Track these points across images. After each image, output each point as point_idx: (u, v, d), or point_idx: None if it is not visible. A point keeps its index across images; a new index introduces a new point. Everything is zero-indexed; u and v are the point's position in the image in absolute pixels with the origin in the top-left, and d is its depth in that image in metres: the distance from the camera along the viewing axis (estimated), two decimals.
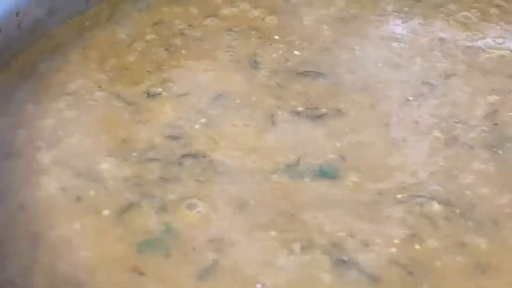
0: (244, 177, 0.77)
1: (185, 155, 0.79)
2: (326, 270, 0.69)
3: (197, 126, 0.82)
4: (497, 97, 0.87)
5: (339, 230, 0.72)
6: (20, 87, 0.85)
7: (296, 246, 0.71)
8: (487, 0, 1.01)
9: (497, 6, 1.00)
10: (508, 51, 0.94)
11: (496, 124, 0.84)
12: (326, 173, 0.78)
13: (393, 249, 0.71)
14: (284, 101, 0.86)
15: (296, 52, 0.92)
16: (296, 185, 0.76)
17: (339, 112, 0.84)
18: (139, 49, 0.92)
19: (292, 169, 0.78)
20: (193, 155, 0.79)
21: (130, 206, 0.74)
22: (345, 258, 0.69)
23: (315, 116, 0.85)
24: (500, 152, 0.81)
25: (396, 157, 0.80)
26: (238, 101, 0.85)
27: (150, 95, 0.85)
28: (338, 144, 0.81)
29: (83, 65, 0.88)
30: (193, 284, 0.68)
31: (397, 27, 0.97)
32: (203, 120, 0.82)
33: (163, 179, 0.76)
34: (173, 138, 0.81)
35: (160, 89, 0.86)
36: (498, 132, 0.83)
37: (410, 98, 0.87)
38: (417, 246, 0.71)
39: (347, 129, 0.83)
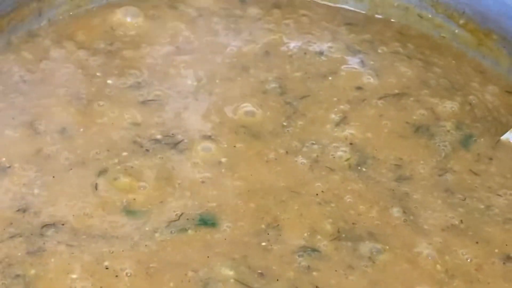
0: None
1: (45, 226, 0.72)
2: None
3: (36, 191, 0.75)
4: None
5: None
6: None
7: None
8: None
9: None
10: None
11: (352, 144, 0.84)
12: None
13: (291, 274, 0.70)
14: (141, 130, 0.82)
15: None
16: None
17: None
18: None
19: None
20: (52, 224, 0.72)
21: None
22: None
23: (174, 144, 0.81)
24: (364, 169, 0.81)
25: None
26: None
27: None
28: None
29: None
30: None
31: None
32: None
33: (29, 254, 0.69)
34: (23, 211, 0.73)
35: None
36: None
37: (285, 124, 0.86)
38: (314, 273, 0.70)
39: None
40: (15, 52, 0.90)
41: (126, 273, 0.69)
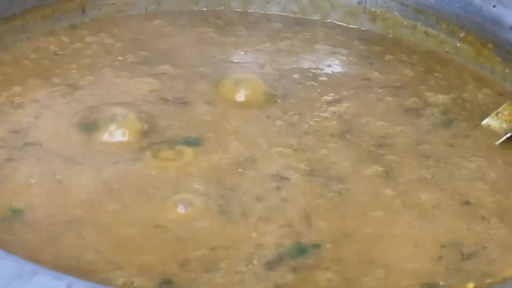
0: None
1: (25, 144, 0.78)
2: None
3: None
4: None
5: None
6: None
7: None
8: None
9: None
10: None
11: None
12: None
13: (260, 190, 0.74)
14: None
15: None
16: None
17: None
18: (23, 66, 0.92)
19: None
20: (32, 143, 0.78)
21: None
22: None
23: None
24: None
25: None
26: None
27: (14, 104, 0.84)
28: None
29: None
30: None
31: None
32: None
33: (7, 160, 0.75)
34: (16, 132, 0.80)
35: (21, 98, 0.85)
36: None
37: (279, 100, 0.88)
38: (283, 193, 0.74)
39: None
40: (55, 37, 0.99)
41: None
